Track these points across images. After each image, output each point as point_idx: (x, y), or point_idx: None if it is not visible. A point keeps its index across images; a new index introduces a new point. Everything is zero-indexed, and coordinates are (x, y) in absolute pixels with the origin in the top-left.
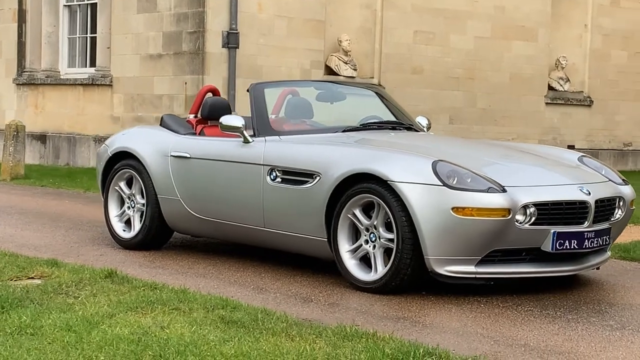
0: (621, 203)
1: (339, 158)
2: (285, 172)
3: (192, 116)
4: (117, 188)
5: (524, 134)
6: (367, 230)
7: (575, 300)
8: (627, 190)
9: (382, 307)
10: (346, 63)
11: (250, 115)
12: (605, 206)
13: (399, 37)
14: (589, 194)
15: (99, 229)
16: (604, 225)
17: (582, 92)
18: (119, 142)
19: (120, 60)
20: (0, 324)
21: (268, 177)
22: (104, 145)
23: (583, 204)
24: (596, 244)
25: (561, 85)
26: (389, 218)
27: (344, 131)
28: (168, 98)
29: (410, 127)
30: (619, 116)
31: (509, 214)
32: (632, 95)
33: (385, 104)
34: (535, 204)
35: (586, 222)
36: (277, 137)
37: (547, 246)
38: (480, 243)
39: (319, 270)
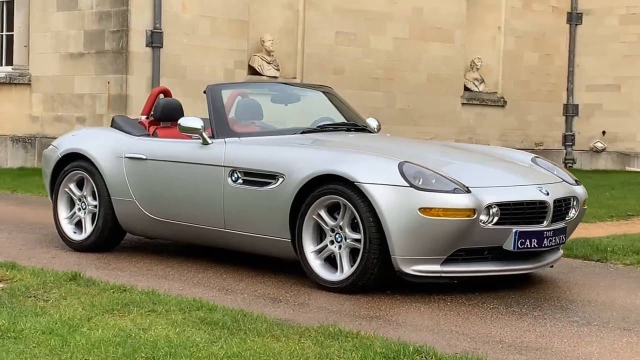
0: (575, 203)
1: (303, 159)
2: (247, 173)
3: (144, 117)
4: (67, 190)
5: (442, 134)
6: (333, 230)
7: (536, 298)
8: (580, 190)
9: (352, 307)
10: (269, 63)
11: (207, 117)
12: (562, 206)
13: (320, 37)
14: (548, 194)
15: (42, 230)
16: (560, 225)
17: (496, 92)
18: (68, 143)
19: (40, 58)
20: None
21: (229, 179)
22: (51, 146)
23: (542, 204)
24: (554, 242)
25: (476, 86)
26: (355, 219)
27: (302, 132)
28: (90, 97)
29: (364, 129)
30: (531, 116)
31: (474, 214)
32: (543, 95)
33: (336, 105)
34: (498, 204)
35: (545, 222)
36: (237, 138)
37: (509, 245)
38: (446, 242)
39: (280, 270)
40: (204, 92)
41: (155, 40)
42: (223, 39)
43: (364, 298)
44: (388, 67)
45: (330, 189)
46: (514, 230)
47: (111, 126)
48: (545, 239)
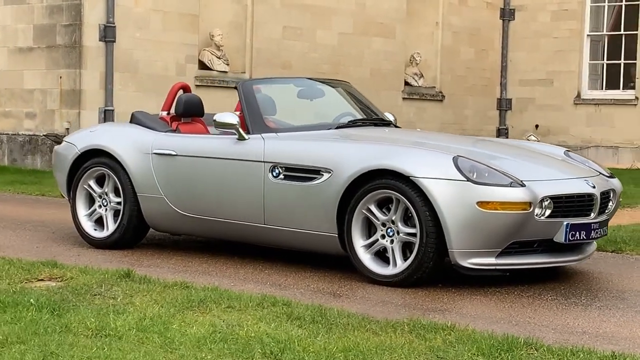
0: (613, 195)
1: (352, 154)
2: (289, 168)
3: (164, 113)
4: (86, 187)
5: None
6: (384, 225)
7: (586, 289)
8: (617, 183)
9: (414, 300)
10: (219, 58)
11: (239, 113)
12: (605, 198)
13: (269, 32)
14: (594, 187)
15: (47, 228)
16: (603, 217)
17: (435, 87)
18: (87, 139)
19: None
20: (65, 325)
21: (270, 174)
22: (65, 143)
23: (590, 197)
24: (599, 234)
25: (416, 81)
26: (409, 213)
27: (337, 128)
28: (40, 92)
29: (390, 123)
30: (467, 110)
31: (530, 208)
32: (478, 90)
33: (355, 100)
34: (551, 197)
35: (592, 214)
36: (274, 134)
37: (560, 237)
38: (502, 236)
39: (319, 265)
40: (235, 87)
41: (108, 34)
42: (174, 33)
43: (420, 291)
44: (333, 61)
45: (383, 184)
46: (565, 223)
47: (131, 122)
48: (592, 231)
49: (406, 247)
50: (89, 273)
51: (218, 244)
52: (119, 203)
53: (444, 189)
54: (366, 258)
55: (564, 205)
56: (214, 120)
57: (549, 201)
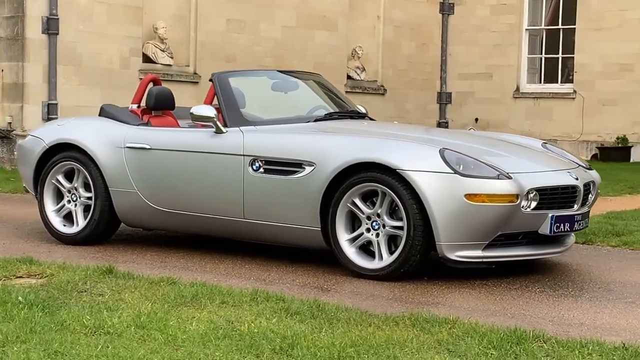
0: (593, 187)
1: (336, 147)
2: (270, 162)
3: (134, 106)
4: (54, 181)
5: None
6: (369, 218)
7: (571, 280)
8: (595, 175)
9: (404, 294)
10: (163, 51)
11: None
12: (587, 190)
13: (212, 25)
14: (577, 179)
15: (8, 225)
16: (585, 209)
17: (376, 81)
18: (56, 133)
19: None
20: (60, 323)
21: (249, 168)
22: (31, 137)
23: (574, 189)
24: (582, 226)
25: (358, 75)
26: (397, 206)
27: (315, 121)
28: None
29: (365, 116)
30: (409, 104)
31: (517, 200)
32: (419, 84)
33: (327, 93)
34: (537, 189)
35: (576, 206)
36: (253, 127)
37: (545, 229)
38: (489, 228)
39: (297, 259)
40: (210, 80)
41: (51, 26)
42: (118, 25)
43: (408, 285)
44: (277, 55)
45: (368, 177)
46: (550, 215)
47: (100, 115)
48: (576, 223)
49: (391, 241)
50: (69, 270)
51: (189, 239)
52: (89, 198)
53: (432, 181)
54: (351, 252)
55: (549, 197)
56: (191, 113)
57: (534, 193)
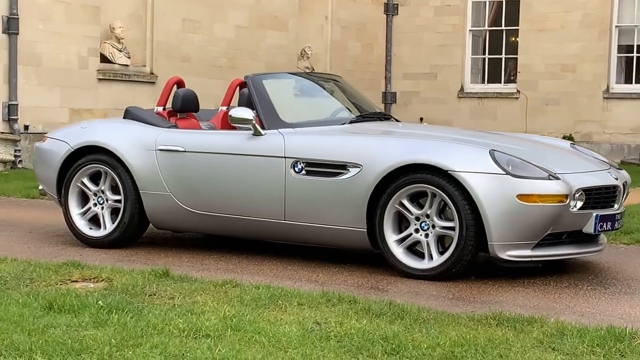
0: (626, 187)
1: (383, 149)
2: (312, 164)
3: (160, 108)
4: (79, 184)
5: None
6: (417, 219)
7: (611, 278)
8: (627, 175)
9: (464, 293)
10: (120, 51)
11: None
12: (624, 190)
13: (168, 24)
14: (617, 178)
15: (20, 228)
16: (622, 208)
17: None
18: (81, 136)
19: None
20: (152, 327)
21: (291, 170)
22: (53, 139)
23: (615, 189)
24: (620, 224)
25: None
26: (448, 207)
27: (350, 122)
28: None
29: (390, 117)
30: None
31: (566, 200)
32: (365, 84)
33: (350, 95)
34: (584, 190)
35: (616, 205)
36: (291, 129)
37: (590, 228)
38: (539, 228)
39: (338, 261)
40: (244, 82)
41: (11, 26)
42: (77, 25)
43: (461, 284)
44: (231, 55)
45: (418, 178)
46: (594, 214)
47: (125, 117)
48: (616, 222)
49: (441, 241)
50: (125, 273)
51: (212, 240)
52: (117, 201)
53: (484, 182)
54: (399, 252)
55: (594, 197)
56: (230, 116)
57: (580, 193)
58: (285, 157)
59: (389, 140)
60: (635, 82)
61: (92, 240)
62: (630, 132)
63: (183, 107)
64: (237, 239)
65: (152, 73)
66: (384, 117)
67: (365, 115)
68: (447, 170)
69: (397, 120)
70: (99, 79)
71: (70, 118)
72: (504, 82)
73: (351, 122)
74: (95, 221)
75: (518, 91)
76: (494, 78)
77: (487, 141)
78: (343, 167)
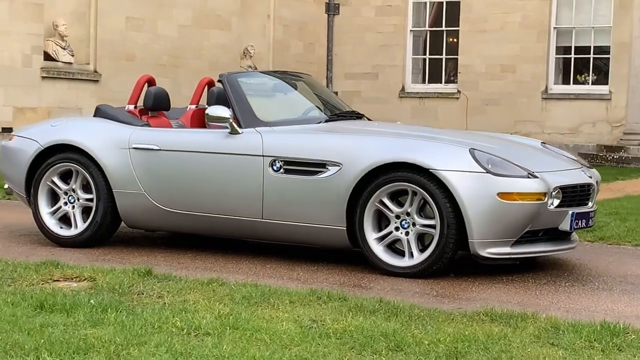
0: (597, 185)
1: (363, 148)
2: (291, 162)
3: (131, 106)
4: (49, 183)
5: None
6: (398, 217)
7: (586, 275)
8: (597, 174)
9: (446, 290)
10: (64, 49)
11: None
12: (597, 188)
13: (112, 22)
14: (591, 177)
15: None
16: (595, 206)
17: None
18: (51, 134)
19: None
20: (151, 325)
21: (270, 168)
22: (20, 138)
23: (590, 186)
24: (593, 222)
25: None
26: (429, 204)
27: (326, 121)
28: None
29: (362, 116)
30: None
31: (545, 198)
32: None
33: (321, 93)
34: (560, 188)
35: (590, 203)
36: (269, 127)
37: (566, 226)
38: (519, 225)
39: (315, 258)
40: (219, 80)
41: None
42: (20, 22)
43: (442, 282)
44: (174, 54)
45: (399, 177)
46: (570, 212)
47: (95, 115)
48: (590, 219)
49: (422, 239)
50: (108, 272)
51: (183, 239)
52: (88, 200)
53: (465, 180)
54: (379, 250)
55: (570, 195)
56: (206, 114)
57: (557, 191)
58: (263, 156)
59: (369, 139)
60: (573, 83)
61: (62, 240)
62: (568, 132)
63: (155, 106)
64: (211, 237)
65: (95, 71)
66: (357, 116)
67: (340, 114)
68: (429, 169)
69: (369, 119)
70: (43, 77)
71: (14, 117)
72: (445, 82)
73: (327, 121)
74: (65, 220)
75: (459, 91)
76: (434, 78)
77: (465, 140)
78: (322, 165)
